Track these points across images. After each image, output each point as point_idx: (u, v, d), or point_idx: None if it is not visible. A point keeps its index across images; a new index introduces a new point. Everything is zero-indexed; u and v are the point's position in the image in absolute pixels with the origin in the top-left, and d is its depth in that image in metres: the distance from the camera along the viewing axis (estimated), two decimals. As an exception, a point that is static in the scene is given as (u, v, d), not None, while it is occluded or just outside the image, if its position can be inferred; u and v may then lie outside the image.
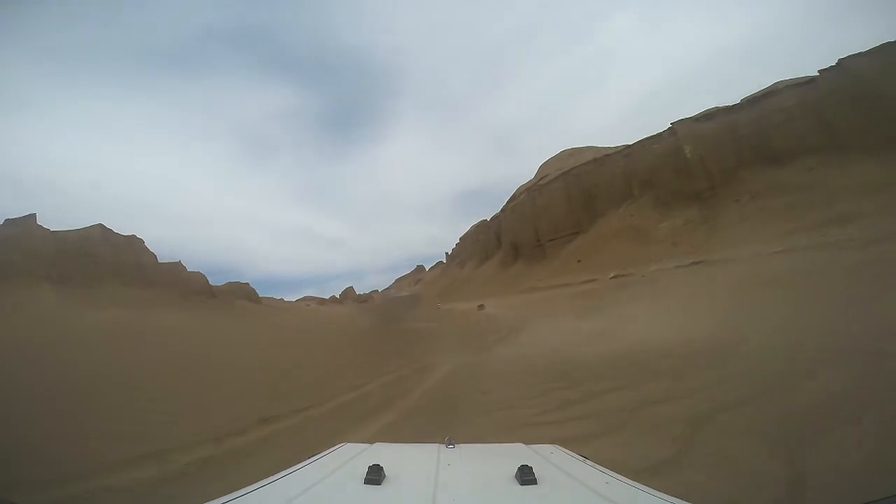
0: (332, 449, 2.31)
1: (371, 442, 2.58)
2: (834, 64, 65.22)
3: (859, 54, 61.44)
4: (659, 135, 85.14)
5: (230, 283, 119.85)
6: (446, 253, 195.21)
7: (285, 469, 1.87)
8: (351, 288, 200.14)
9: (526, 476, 1.59)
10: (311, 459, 2.06)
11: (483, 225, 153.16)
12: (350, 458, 2.07)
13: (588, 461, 2.02)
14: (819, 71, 68.06)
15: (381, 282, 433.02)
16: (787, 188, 56.25)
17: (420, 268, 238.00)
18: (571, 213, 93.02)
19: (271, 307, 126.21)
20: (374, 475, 1.62)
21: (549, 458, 2.01)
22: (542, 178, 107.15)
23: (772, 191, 57.90)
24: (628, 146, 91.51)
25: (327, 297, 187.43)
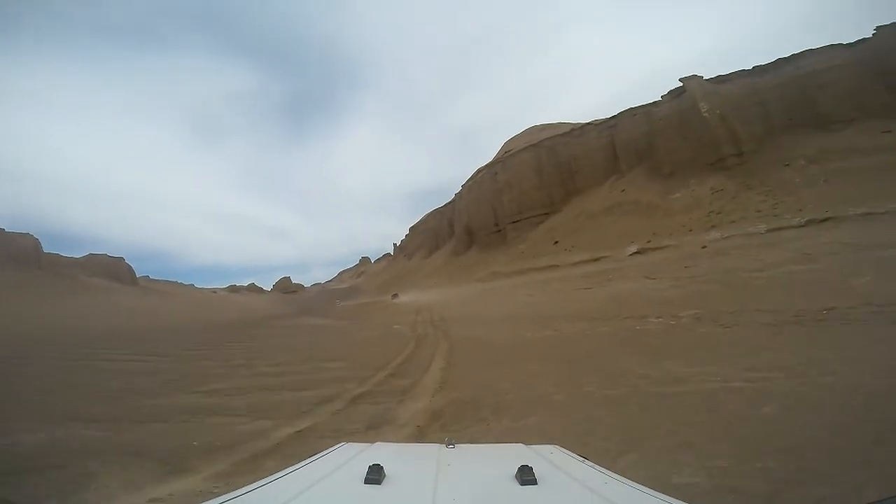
0: (331, 448, 2.17)
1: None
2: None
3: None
4: (657, 100, 66.87)
5: (91, 256, 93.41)
6: (394, 244, 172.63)
7: (284, 469, 1.75)
8: (287, 279, 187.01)
9: (526, 476, 1.49)
10: (310, 459, 1.94)
11: (436, 212, 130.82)
12: (350, 457, 1.95)
13: (588, 461, 1.89)
14: (876, 28, 52.13)
15: (326, 275, 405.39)
16: (863, 151, 38.43)
17: (365, 260, 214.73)
18: (542, 189, 72.12)
19: (150, 289, 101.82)
20: (374, 475, 1.52)
21: (549, 459, 1.88)
22: (506, 152, 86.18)
23: (838, 154, 39.88)
24: (614, 116, 72.43)
25: (244, 286, 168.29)
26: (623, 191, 57.33)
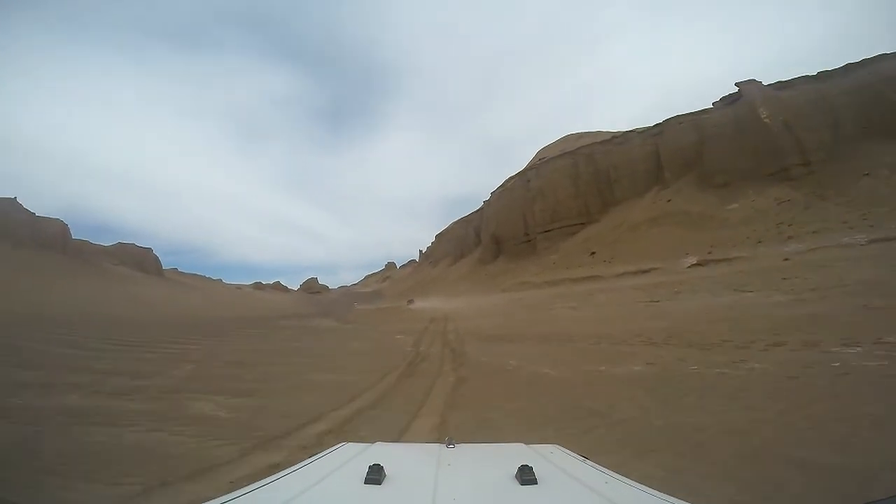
0: (332, 448, 2.17)
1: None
2: None
3: None
4: (708, 108, 61.92)
5: (120, 245, 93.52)
6: (420, 251, 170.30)
7: (285, 469, 1.75)
8: (314, 279, 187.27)
9: (526, 476, 1.49)
10: (310, 459, 1.94)
11: (462, 221, 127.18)
12: (350, 457, 1.95)
13: (588, 461, 1.86)
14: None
15: (354, 278, 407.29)
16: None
17: (390, 265, 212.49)
18: (578, 198, 67.63)
19: (175, 281, 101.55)
20: (375, 475, 1.51)
21: (549, 458, 1.87)
22: (540, 160, 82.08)
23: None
24: (658, 124, 67.67)
25: (269, 284, 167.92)
26: (669, 201, 52.43)
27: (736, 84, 59.26)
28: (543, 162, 77.48)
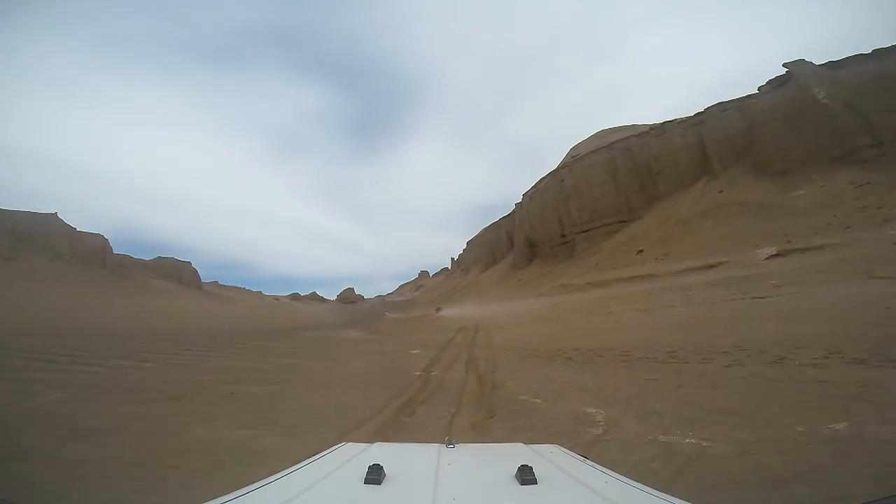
0: (332, 449, 2.15)
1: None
2: None
3: None
4: (753, 93, 58.14)
5: (159, 259, 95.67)
6: (452, 258, 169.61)
7: (285, 469, 1.71)
8: (350, 289, 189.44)
9: (526, 476, 1.47)
10: (310, 459, 1.92)
11: (494, 225, 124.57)
12: (350, 457, 1.93)
13: (588, 461, 1.87)
14: None
15: (390, 287, 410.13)
16: None
17: (423, 273, 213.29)
18: (618, 194, 64.52)
19: (212, 294, 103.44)
20: (374, 475, 1.50)
21: (549, 458, 1.86)
22: (574, 157, 79.19)
23: None
24: (699, 113, 64.06)
25: (306, 295, 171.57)
26: (721, 192, 48.96)
27: (784, 65, 55.40)
28: (577, 159, 74.64)
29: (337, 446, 2.16)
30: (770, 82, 56.46)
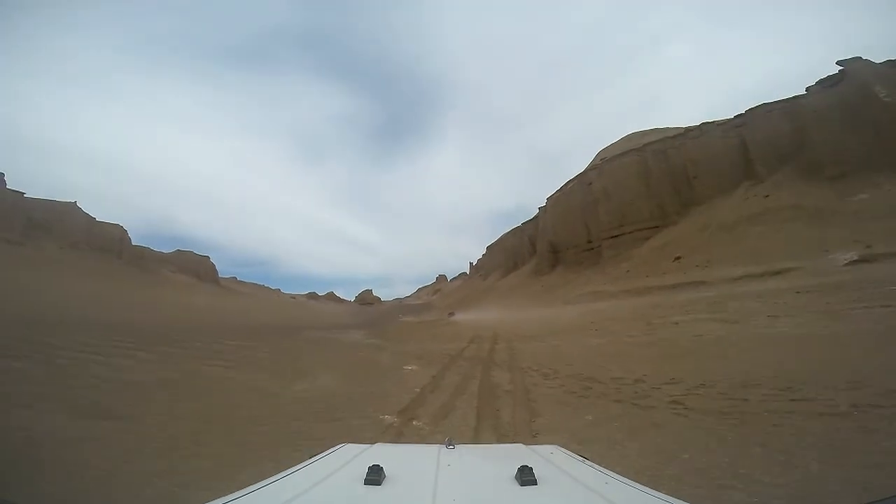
0: (331, 449, 2.12)
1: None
2: None
3: None
4: (801, 94, 54.01)
5: (178, 252, 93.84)
6: (470, 263, 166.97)
7: (284, 470, 1.70)
8: (368, 291, 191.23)
9: (526, 477, 1.46)
10: (310, 460, 1.90)
11: (516, 230, 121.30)
12: (350, 458, 1.92)
13: (588, 461, 1.85)
14: None
15: (408, 290, 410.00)
16: None
17: (441, 278, 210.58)
18: (650, 198, 60.91)
19: (229, 289, 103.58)
20: (374, 476, 1.49)
21: (549, 459, 1.86)
22: (602, 160, 75.68)
23: None
24: (740, 115, 60.04)
25: (323, 294, 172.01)
26: (767, 196, 45.09)
27: (838, 62, 51.28)
28: (606, 161, 71.22)
29: (337, 447, 2.10)
30: (820, 82, 52.32)
